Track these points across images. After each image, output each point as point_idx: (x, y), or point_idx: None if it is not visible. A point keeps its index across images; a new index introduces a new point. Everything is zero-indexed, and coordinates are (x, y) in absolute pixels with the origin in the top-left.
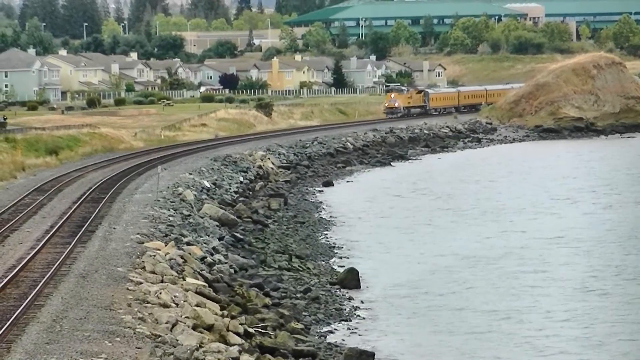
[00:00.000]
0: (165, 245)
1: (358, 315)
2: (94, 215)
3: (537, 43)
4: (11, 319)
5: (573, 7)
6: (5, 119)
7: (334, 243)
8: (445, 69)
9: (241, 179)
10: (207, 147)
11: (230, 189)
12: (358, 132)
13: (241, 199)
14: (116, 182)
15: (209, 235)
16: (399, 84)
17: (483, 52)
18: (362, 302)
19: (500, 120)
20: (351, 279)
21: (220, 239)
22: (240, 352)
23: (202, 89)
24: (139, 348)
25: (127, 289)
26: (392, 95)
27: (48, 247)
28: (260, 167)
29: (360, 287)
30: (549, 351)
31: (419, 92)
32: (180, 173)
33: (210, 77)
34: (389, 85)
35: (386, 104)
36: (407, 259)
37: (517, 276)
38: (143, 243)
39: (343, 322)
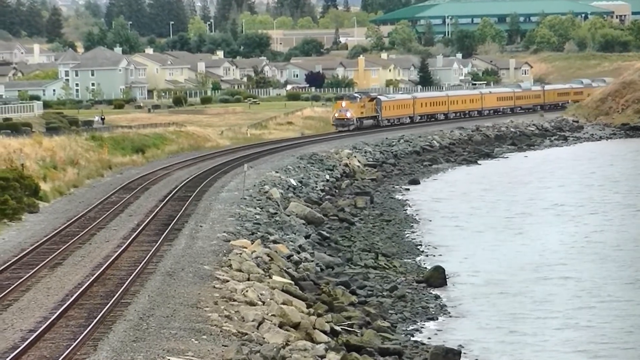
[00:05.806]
0: (252, 244)
1: (444, 314)
2: (180, 213)
3: (623, 41)
4: (98, 317)
5: None
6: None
7: (420, 241)
8: (531, 67)
9: (327, 177)
10: (293, 145)
11: (316, 187)
12: (444, 130)
13: (327, 197)
14: (202, 180)
15: (295, 234)
16: (484, 82)
17: (569, 50)
18: (448, 300)
19: (587, 118)
20: (437, 277)
21: (307, 237)
22: (326, 350)
23: (288, 87)
24: (225, 346)
25: (214, 287)
26: (343, 104)
27: (134, 245)
28: (346, 165)
29: (446, 285)
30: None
31: (372, 99)
32: (267, 171)
33: (297, 75)
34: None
35: (336, 115)
36: (492, 258)
37: (603, 275)
38: (229, 241)
39: (429, 320)
